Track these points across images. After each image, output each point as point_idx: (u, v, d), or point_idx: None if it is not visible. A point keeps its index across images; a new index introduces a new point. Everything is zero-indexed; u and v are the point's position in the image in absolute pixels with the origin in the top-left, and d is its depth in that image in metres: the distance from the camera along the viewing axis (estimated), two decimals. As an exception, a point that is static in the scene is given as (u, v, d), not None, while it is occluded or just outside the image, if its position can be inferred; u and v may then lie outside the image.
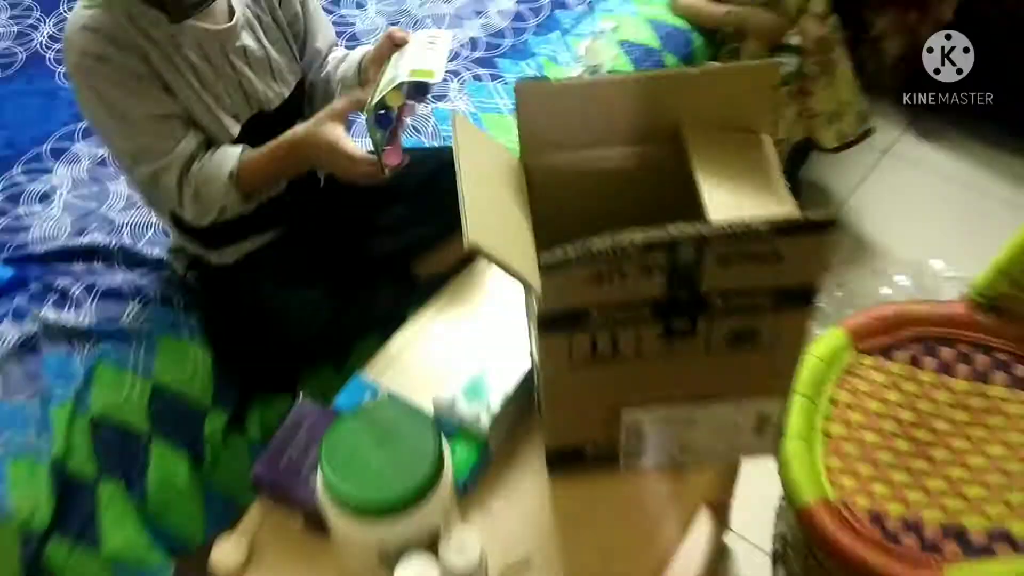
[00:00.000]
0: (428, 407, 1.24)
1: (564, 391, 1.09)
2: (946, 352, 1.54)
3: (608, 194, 1.14)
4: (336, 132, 1.23)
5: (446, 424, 1.23)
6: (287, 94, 1.39)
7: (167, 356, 1.34)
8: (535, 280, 0.94)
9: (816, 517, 1.37)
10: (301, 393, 1.20)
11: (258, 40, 1.33)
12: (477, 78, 1.99)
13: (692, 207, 1.04)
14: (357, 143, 1.27)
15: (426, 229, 1.44)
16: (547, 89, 1.02)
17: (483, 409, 1.21)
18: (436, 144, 1.71)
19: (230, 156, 1.29)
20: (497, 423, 1.22)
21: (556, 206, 1.14)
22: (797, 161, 2.31)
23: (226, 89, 1.31)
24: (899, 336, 1.55)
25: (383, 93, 1.26)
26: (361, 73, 1.39)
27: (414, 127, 1.77)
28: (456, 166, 0.99)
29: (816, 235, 0.89)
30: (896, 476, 1.41)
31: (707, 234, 0.88)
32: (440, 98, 1.88)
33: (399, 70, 1.25)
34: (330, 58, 1.47)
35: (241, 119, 1.34)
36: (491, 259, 0.91)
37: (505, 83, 1.95)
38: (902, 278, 2.19)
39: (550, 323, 0.98)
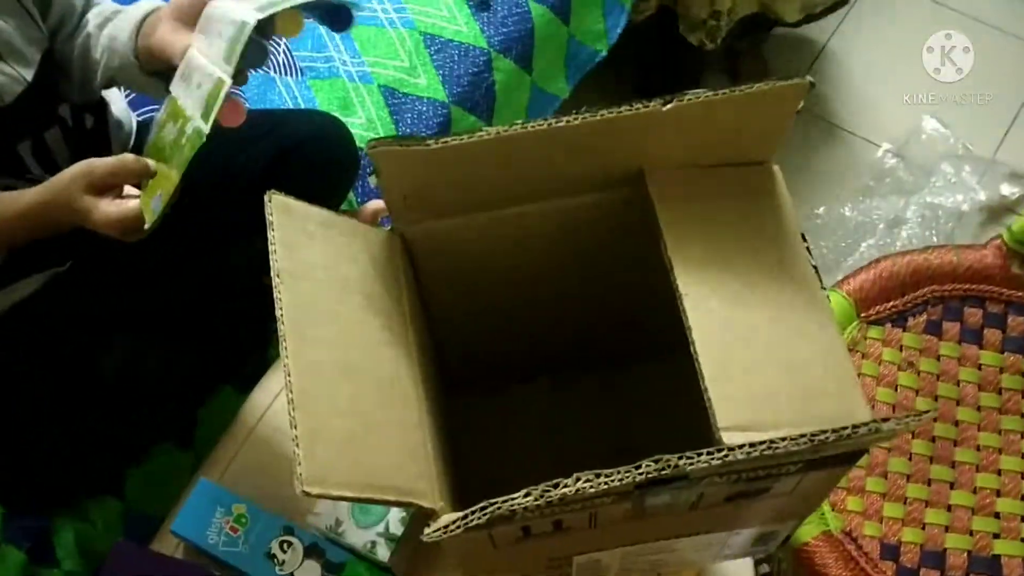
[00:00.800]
0: (305, 524, 0.91)
1: (485, 566, 0.75)
2: (973, 314, 1.21)
3: (536, 261, 0.75)
4: (100, 213, 0.82)
5: (331, 552, 0.89)
6: (30, 76, 0.91)
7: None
8: (431, 496, 0.58)
9: (816, 558, 1.10)
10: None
11: None
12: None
13: (658, 276, 0.66)
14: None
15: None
16: (416, 153, 0.60)
17: (379, 532, 0.88)
18: (289, 89, 1.20)
19: None
20: (400, 547, 0.88)
21: (463, 282, 0.75)
22: (759, 36, 1.83)
23: None
24: (914, 297, 1.22)
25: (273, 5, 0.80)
26: (140, 36, 0.90)
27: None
28: (276, 302, 0.59)
29: (875, 436, 0.53)
30: (912, 491, 1.13)
31: (701, 470, 0.51)
32: (293, 2, 1.35)
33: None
34: (91, 15, 0.98)
35: None
36: (347, 500, 0.54)
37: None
38: (889, 148, 1.82)
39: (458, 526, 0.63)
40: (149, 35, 0.90)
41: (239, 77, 0.83)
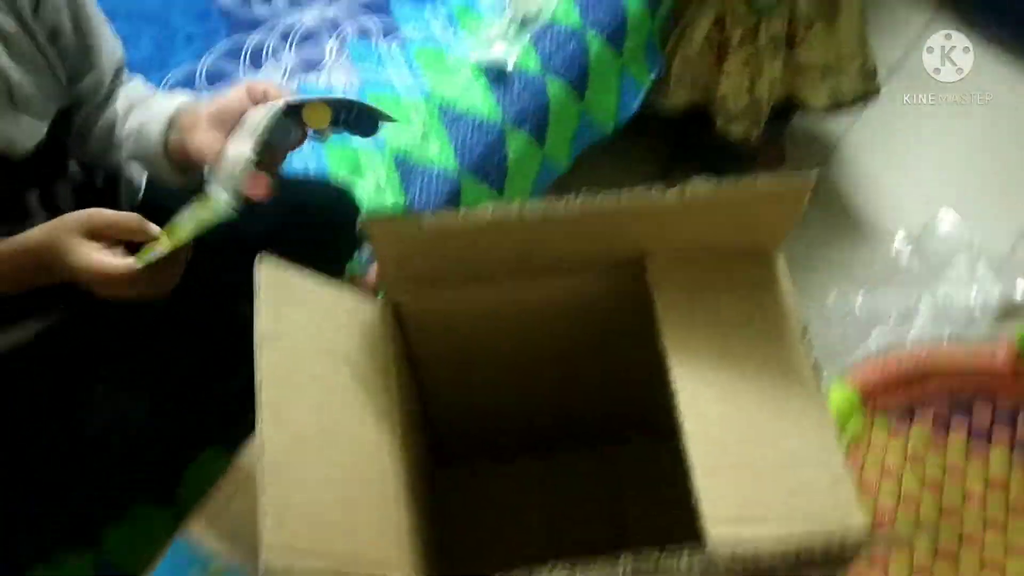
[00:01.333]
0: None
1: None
2: (982, 411, 1.18)
3: (532, 338, 0.74)
4: (88, 256, 0.82)
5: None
6: (44, 130, 0.91)
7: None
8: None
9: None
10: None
11: None
12: (364, 33, 1.42)
13: (656, 358, 0.65)
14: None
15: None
16: (410, 229, 0.59)
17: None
18: (301, 151, 1.20)
19: None
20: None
21: (457, 356, 0.74)
22: (779, 124, 1.82)
23: None
24: (923, 393, 1.19)
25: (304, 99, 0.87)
26: (170, 128, 0.93)
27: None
28: (256, 369, 0.58)
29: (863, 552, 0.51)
30: (914, 594, 1.09)
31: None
32: (311, 67, 1.36)
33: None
34: (121, 95, 0.99)
35: None
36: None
37: (402, 41, 1.40)
38: (903, 238, 1.80)
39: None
40: (183, 131, 0.91)
41: (274, 156, 0.87)
